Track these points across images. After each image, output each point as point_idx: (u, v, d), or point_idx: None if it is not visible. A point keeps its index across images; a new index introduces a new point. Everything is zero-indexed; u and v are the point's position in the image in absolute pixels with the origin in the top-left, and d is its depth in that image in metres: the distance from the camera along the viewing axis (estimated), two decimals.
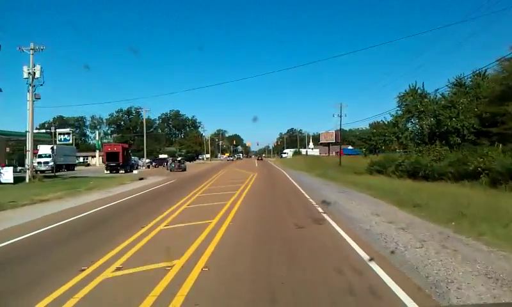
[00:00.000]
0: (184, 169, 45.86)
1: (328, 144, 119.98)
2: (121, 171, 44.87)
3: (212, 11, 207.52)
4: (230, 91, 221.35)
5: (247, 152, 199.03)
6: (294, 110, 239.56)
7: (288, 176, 33.82)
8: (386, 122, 38.28)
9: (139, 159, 62.26)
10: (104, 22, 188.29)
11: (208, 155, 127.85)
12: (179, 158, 45.04)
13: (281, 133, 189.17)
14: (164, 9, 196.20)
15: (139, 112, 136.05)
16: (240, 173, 37.50)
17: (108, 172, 45.15)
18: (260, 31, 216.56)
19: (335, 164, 61.44)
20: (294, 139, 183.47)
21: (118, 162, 44.89)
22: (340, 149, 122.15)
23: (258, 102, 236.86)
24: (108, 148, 46.04)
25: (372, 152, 39.55)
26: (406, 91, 38.21)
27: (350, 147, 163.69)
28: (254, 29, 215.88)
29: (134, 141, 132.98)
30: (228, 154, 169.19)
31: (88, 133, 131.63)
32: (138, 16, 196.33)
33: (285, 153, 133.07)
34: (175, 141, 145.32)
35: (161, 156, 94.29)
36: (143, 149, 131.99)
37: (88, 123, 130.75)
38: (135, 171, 44.38)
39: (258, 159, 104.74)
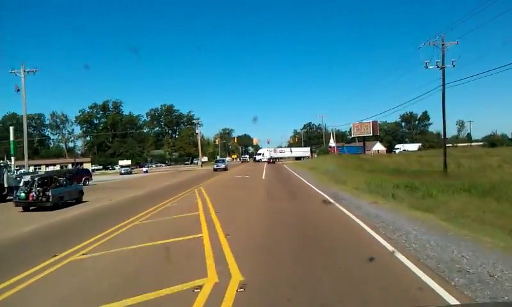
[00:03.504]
0: (58, 200, 16.85)
1: (362, 139, 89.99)
2: None
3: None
4: (236, 88, 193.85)
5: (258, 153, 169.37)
6: (310, 105, 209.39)
7: None
8: None
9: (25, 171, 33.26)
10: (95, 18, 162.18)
11: (205, 159, 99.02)
12: (37, 177, 15.84)
13: (295, 130, 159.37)
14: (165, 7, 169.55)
15: (118, 106, 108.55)
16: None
17: None
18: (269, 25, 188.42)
19: (410, 169, 31.84)
20: (312, 136, 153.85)
21: None
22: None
23: (269, 98, 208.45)
24: None
25: None
26: None
27: (378, 143, 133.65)
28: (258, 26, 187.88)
29: (112, 143, 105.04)
30: (235, 156, 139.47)
31: (48, 134, 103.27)
32: (137, 15, 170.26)
33: (259, 153, 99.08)
34: (165, 142, 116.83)
35: (122, 162, 65.23)
36: (122, 153, 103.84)
37: (47, 121, 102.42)
38: None
39: (268, 162, 74.84)
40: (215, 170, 47.47)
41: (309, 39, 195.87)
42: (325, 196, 17.22)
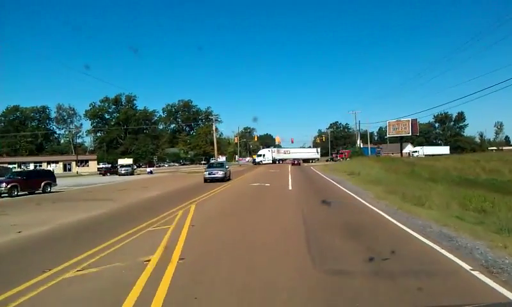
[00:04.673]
0: None
1: (400, 139, 79.38)
2: None
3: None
4: (260, 87, 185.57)
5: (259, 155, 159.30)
6: (336, 104, 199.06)
7: None
8: None
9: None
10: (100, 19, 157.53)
11: (223, 159, 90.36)
12: None
13: (319, 130, 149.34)
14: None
15: (131, 100, 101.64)
16: None
17: None
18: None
19: None
20: (338, 136, 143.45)
21: None
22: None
23: (293, 97, 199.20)
24: None
25: None
26: None
27: (410, 144, 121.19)
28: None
29: (124, 139, 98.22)
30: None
31: (54, 129, 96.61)
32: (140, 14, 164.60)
33: (260, 155, 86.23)
34: (180, 140, 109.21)
35: (122, 161, 57.30)
36: (134, 151, 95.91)
37: (54, 115, 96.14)
38: None
39: (293, 164, 66.00)
40: (206, 181, 27.42)
41: (333, 39, 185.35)
42: (430, 243, 7.95)
